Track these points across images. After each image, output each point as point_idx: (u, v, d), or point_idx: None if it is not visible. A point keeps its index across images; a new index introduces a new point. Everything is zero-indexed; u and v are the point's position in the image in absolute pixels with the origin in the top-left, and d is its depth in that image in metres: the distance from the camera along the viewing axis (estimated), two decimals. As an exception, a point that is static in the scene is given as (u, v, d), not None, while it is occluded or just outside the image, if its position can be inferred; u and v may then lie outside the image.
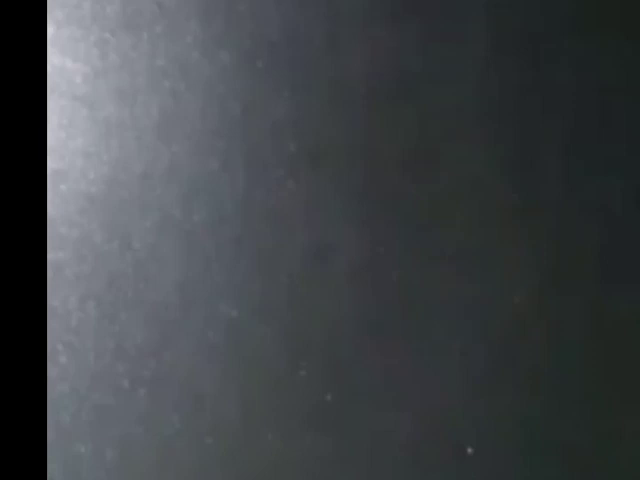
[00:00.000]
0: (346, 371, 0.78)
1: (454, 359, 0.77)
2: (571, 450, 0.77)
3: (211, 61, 0.77)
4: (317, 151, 0.79)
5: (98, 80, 0.75)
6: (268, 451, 0.77)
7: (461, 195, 0.79)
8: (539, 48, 0.82)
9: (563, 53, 0.82)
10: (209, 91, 0.77)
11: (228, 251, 0.78)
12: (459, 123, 0.80)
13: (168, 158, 0.77)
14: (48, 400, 0.65)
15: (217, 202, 0.77)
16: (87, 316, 0.75)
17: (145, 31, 0.76)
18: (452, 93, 0.79)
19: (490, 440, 0.77)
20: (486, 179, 0.80)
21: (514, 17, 0.81)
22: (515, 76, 0.81)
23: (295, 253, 0.78)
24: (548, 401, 0.76)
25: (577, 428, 0.77)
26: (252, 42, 0.78)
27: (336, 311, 0.78)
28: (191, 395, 0.76)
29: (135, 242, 0.76)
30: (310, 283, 0.78)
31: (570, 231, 0.80)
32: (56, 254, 0.74)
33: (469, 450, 0.78)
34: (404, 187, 0.79)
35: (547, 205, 0.81)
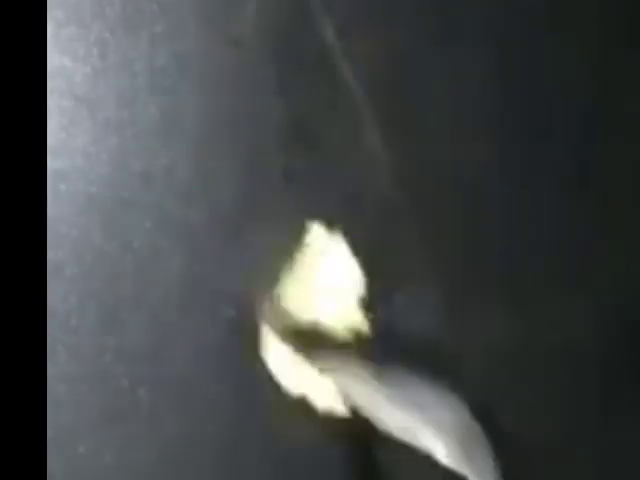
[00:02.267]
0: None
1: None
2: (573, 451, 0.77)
3: (211, 61, 0.77)
4: (317, 151, 0.79)
5: (98, 80, 0.75)
6: (269, 451, 0.77)
7: (461, 196, 0.79)
8: (541, 49, 0.82)
9: (565, 54, 0.82)
10: (209, 91, 0.77)
11: (228, 251, 0.78)
12: (459, 123, 0.80)
13: (168, 158, 0.77)
14: (48, 400, 0.65)
15: (217, 202, 0.77)
16: (87, 316, 0.75)
17: (145, 31, 0.76)
18: (452, 93, 0.80)
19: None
20: (487, 180, 0.80)
21: (515, 17, 0.82)
22: (517, 77, 0.81)
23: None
24: (548, 401, 0.76)
25: (579, 428, 0.77)
26: (252, 42, 0.78)
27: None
28: (191, 395, 0.76)
29: (135, 242, 0.76)
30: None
31: (573, 237, 0.81)
32: (56, 254, 0.74)
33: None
34: (404, 187, 0.79)
35: (549, 206, 0.81)
